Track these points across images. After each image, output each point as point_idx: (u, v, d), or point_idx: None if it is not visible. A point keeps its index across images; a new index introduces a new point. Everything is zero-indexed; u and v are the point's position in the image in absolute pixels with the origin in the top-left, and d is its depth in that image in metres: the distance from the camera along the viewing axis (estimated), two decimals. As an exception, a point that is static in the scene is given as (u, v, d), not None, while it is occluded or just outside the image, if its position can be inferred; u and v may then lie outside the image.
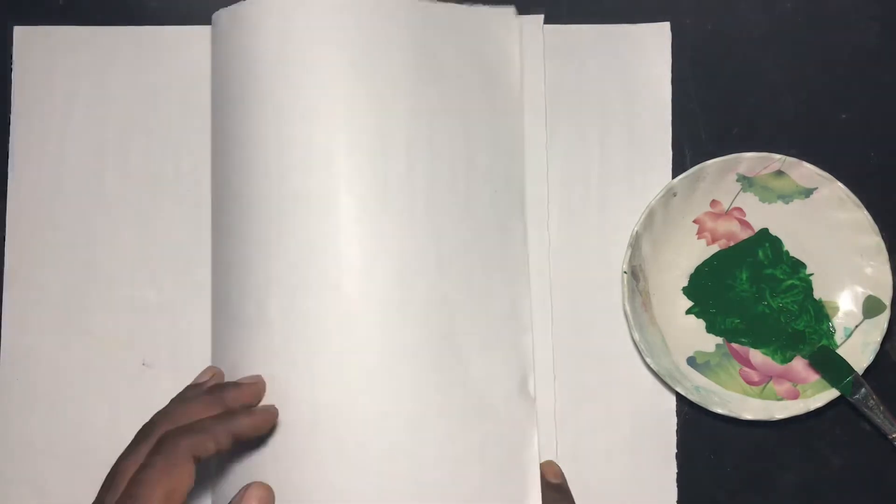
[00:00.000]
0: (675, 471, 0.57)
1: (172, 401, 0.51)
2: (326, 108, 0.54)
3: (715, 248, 0.58)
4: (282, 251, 0.53)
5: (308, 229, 0.53)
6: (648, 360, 0.54)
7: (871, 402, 0.54)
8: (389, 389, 0.53)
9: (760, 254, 0.58)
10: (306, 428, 0.53)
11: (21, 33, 0.60)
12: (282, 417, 0.53)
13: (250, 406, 0.52)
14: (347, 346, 0.53)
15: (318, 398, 0.53)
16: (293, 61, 0.54)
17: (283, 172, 0.53)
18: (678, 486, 0.57)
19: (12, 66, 0.60)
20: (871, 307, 0.56)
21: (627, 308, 0.55)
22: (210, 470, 0.56)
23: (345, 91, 0.54)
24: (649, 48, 0.59)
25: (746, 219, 0.58)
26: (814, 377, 0.56)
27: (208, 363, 0.57)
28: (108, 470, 0.57)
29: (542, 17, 0.59)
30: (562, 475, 0.56)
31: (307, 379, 0.53)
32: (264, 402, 0.53)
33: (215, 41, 0.57)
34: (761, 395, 0.56)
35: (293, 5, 0.54)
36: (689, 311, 0.58)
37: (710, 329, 0.58)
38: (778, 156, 0.55)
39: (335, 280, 0.53)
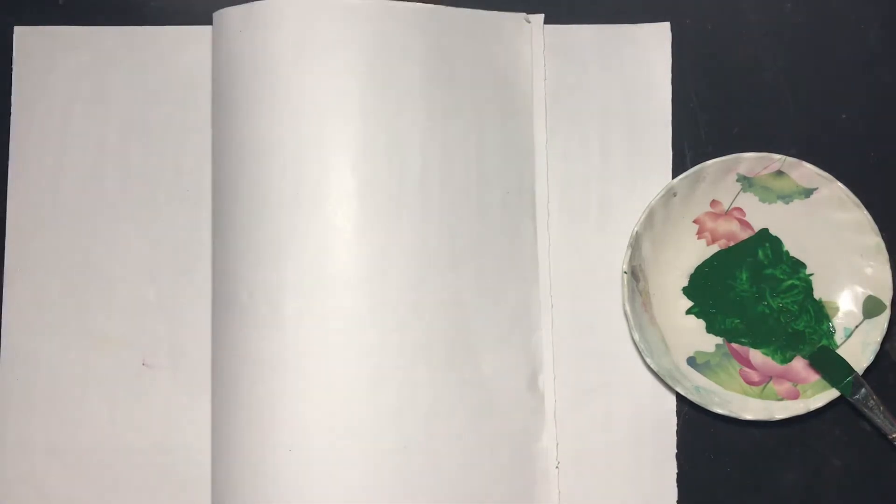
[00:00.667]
0: (675, 471, 0.57)
1: None
2: (342, 110, 0.54)
3: (715, 248, 0.58)
4: (296, 251, 0.54)
5: (323, 230, 0.54)
6: (648, 360, 0.54)
7: (871, 402, 0.54)
8: (404, 386, 0.54)
9: (760, 254, 0.58)
10: (322, 424, 0.53)
11: (21, 33, 0.60)
12: (297, 415, 0.53)
13: None
14: (363, 345, 0.53)
15: (333, 396, 0.53)
16: (310, 63, 0.54)
17: (299, 173, 0.54)
18: (678, 486, 0.57)
19: (12, 66, 0.60)
20: (871, 307, 0.56)
21: (627, 308, 0.55)
22: (210, 469, 0.57)
23: (361, 93, 0.54)
24: (649, 48, 0.59)
25: (746, 219, 0.58)
26: (814, 377, 0.56)
27: (208, 363, 0.57)
28: (108, 470, 0.57)
29: (541, 17, 0.59)
30: None
31: (322, 377, 0.53)
32: (277, 403, 0.54)
33: (219, 40, 0.57)
34: (761, 395, 0.56)
35: (309, 8, 0.54)
36: (689, 311, 0.58)
37: (710, 329, 0.58)
38: (778, 156, 0.55)
39: (350, 280, 0.53)
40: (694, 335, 0.58)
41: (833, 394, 0.54)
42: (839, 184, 0.55)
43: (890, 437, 0.54)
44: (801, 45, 0.60)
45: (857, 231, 0.55)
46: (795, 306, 0.57)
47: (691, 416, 0.58)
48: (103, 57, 0.60)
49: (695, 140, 0.59)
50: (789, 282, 0.57)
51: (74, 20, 0.60)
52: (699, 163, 0.55)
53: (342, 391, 0.53)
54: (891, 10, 0.60)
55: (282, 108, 0.54)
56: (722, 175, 0.56)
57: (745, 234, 0.58)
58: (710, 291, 0.58)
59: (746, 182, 0.57)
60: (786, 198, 0.57)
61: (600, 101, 0.59)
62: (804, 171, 0.55)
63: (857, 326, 0.56)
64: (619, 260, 0.56)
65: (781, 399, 0.56)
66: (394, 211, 0.54)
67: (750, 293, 0.58)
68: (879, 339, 0.55)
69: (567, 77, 0.59)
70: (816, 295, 0.57)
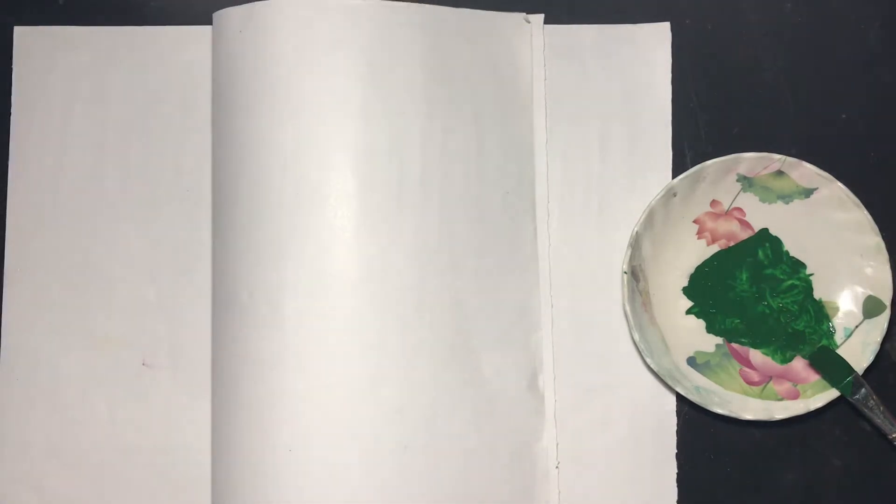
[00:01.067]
0: (675, 471, 0.57)
1: None
2: (343, 111, 0.54)
3: (715, 248, 0.58)
4: (296, 252, 0.54)
5: (323, 230, 0.54)
6: (648, 360, 0.54)
7: (871, 402, 0.54)
8: (404, 386, 0.54)
9: (760, 254, 0.58)
10: (322, 424, 0.53)
11: (21, 33, 0.60)
12: (297, 415, 0.53)
13: None
14: (363, 345, 0.53)
15: (333, 396, 0.53)
16: (310, 63, 0.54)
17: (299, 173, 0.54)
18: (678, 486, 0.57)
19: (12, 66, 0.60)
20: (871, 307, 0.56)
21: (627, 308, 0.55)
22: (210, 469, 0.57)
23: (361, 94, 0.54)
24: (649, 48, 0.59)
25: (746, 219, 0.58)
26: (814, 377, 0.56)
27: (208, 363, 0.57)
28: (108, 470, 0.57)
29: (541, 17, 0.59)
30: None
31: (322, 377, 0.53)
32: (277, 403, 0.54)
33: (219, 41, 0.57)
34: (761, 395, 0.56)
35: (310, 9, 0.54)
36: (689, 311, 0.58)
37: (710, 329, 0.58)
38: (778, 156, 0.55)
39: (350, 280, 0.53)
40: (694, 335, 0.58)
41: (833, 394, 0.54)
42: (839, 184, 0.55)
43: (890, 437, 0.54)
44: (801, 45, 0.60)
45: (857, 231, 0.55)
46: (795, 306, 0.57)
47: (691, 416, 0.58)
48: (103, 57, 0.60)
49: (695, 140, 0.59)
50: (789, 282, 0.57)
51: (74, 20, 0.60)
52: (699, 163, 0.55)
53: (342, 391, 0.53)
54: (891, 10, 0.60)
55: (282, 109, 0.54)
56: (722, 175, 0.56)
57: (745, 234, 0.58)
58: (710, 291, 0.58)
59: (746, 182, 0.57)
60: (786, 198, 0.57)
61: (600, 101, 0.59)
62: (804, 171, 0.55)
63: (857, 326, 0.56)
64: (619, 260, 0.56)
65: (781, 399, 0.56)
66: (394, 211, 0.54)
67: (750, 293, 0.58)
68: (879, 339, 0.55)
69: (567, 77, 0.59)
70: (816, 295, 0.57)
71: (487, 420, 0.56)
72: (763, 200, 0.57)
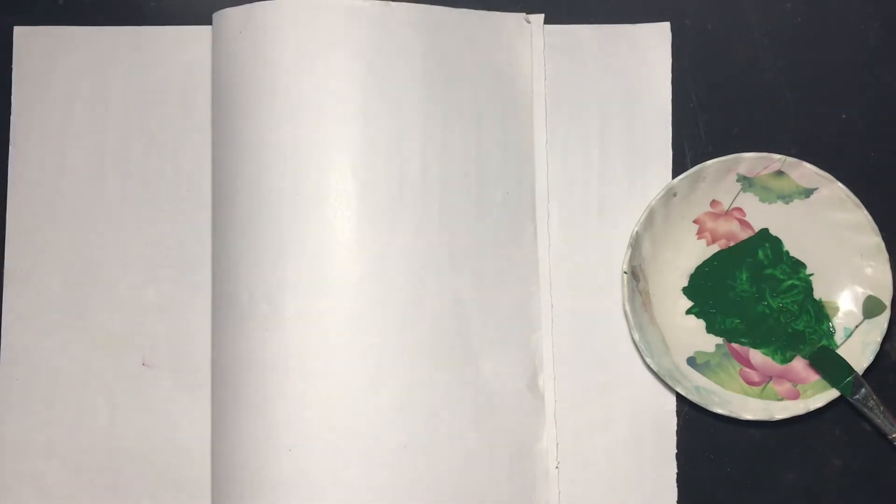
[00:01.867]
0: (675, 471, 0.57)
1: None
2: (342, 111, 0.54)
3: (715, 248, 0.58)
4: (296, 252, 0.54)
5: (323, 230, 0.54)
6: (648, 360, 0.54)
7: (871, 402, 0.54)
8: (404, 386, 0.54)
9: (760, 254, 0.58)
10: (322, 424, 0.53)
11: (21, 33, 0.60)
12: (297, 415, 0.53)
13: None
14: (363, 345, 0.53)
15: (333, 396, 0.53)
16: (310, 64, 0.54)
17: (299, 173, 0.54)
18: (678, 486, 0.57)
19: (12, 66, 0.60)
20: (871, 307, 0.56)
21: (627, 308, 0.55)
22: (210, 469, 0.57)
23: (361, 94, 0.54)
24: (649, 48, 0.59)
25: (746, 219, 0.58)
26: (814, 377, 0.56)
27: (208, 363, 0.57)
28: (108, 470, 0.57)
29: (541, 17, 0.59)
30: None
31: (322, 377, 0.53)
32: (277, 403, 0.54)
33: (218, 41, 0.57)
34: (761, 396, 0.56)
35: (310, 10, 0.54)
36: (689, 311, 0.58)
37: (710, 329, 0.58)
38: (778, 156, 0.55)
39: (351, 280, 0.53)
40: (694, 335, 0.58)
41: (833, 394, 0.54)
42: (839, 184, 0.55)
43: (890, 437, 0.54)
44: (801, 45, 0.60)
45: (857, 231, 0.55)
46: (795, 306, 0.57)
47: (691, 416, 0.58)
48: (103, 57, 0.60)
49: (695, 140, 0.59)
50: (789, 282, 0.57)
51: (74, 20, 0.60)
52: (699, 163, 0.55)
53: (342, 391, 0.53)
54: (891, 10, 0.60)
55: (282, 109, 0.54)
56: (722, 175, 0.56)
57: (745, 234, 0.58)
58: (710, 291, 0.58)
59: (746, 182, 0.57)
60: (786, 198, 0.57)
61: (600, 101, 0.59)
62: (804, 171, 0.55)
63: (857, 326, 0.56)
64: (619, 260, 0.56)
65: (781, 399, 0.56)
66: (394, 211, 0.54)
67: (750, 293, 0.58)
68: (879, 339, 0.55)
69: (567, 77, 0.59)
70: (816, 295, 0.57)
71: (487, 420, 0.56)
72: (763, 200, 0.57)
